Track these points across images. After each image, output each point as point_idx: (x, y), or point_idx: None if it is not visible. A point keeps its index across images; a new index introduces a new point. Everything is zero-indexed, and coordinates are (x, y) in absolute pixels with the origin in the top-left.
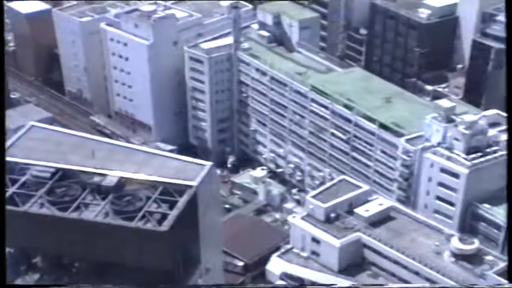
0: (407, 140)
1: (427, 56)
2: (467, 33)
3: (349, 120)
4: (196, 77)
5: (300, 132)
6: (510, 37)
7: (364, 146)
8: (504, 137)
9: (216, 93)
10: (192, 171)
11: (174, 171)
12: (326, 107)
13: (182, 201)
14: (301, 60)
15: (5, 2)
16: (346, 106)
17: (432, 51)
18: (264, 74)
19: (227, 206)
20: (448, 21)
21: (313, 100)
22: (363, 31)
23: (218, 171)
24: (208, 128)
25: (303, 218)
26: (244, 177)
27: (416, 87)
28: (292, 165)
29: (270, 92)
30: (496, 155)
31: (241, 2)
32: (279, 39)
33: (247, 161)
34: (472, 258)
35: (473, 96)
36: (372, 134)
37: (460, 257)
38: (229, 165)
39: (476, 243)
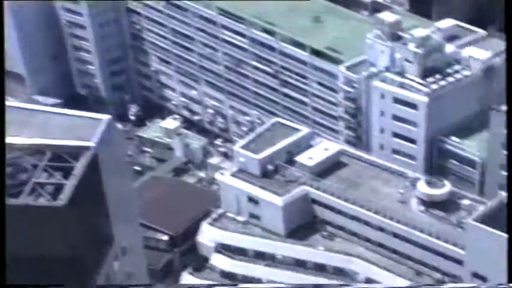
0: (348, 67)
1: None
2: None
3: (272, 49)
4: (71, 8)
5: (214, 69)
6: (510, 37)
7: (295, 79)
8: (467, 52)
9: (100, 26)
10: (87, 129)
11: (63, 130)
12: (242, 35)
13: (79, 167)
14: None
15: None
16: (266, 31)
17: None
18: None
19: (138, 168)
20: None
21: (224, 27)
22: None
23: (119, 126)
24: (98, 72)
25: (233, 175)
26: (154, 130)
27: (349, 0)
28: (210, 111)
29: (168, 20)
30: (459, 76)
31: None
32: None
33: (154, 109)
34: (445, 205)
35: (422, 5)
36: (303, 63)
37: (430, 204)
38: (132, 117)
39: (447, 186)
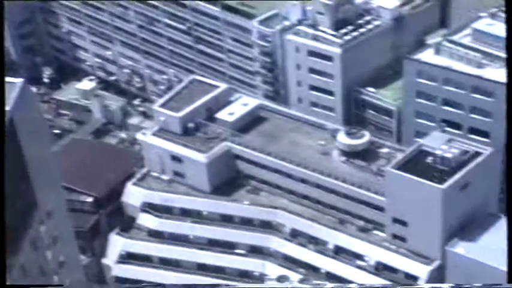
0: (261, 22)
1: None
2: None
3: (183, 5)
4: None
5: (127, 28)
6: (510, 37)
7: (210, 36)
8: (376, 2)
9: None
10: None
11: None
12: None
13: None
14: None
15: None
16: None
17: None
18: None
19: (57, 131)
20: None
21: None
22: None
23: (33, 89)
24: (6, 35)
25: (155, 134)
26: (70, 93)
27: None
28: (127, 71)
29: None
30: (370, 26)
31: None
32: None
33: (69, 71)
34: (365, 154)
35: None
36: (216, 18)
37: (350, 154)
38: (46, 80)
39: (366, 136)
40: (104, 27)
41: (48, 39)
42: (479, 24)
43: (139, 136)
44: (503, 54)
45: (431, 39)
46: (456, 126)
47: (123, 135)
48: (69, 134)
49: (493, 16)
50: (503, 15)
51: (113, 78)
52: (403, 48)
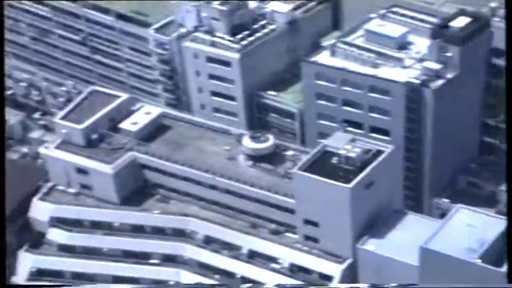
0: (157, 30)
1: None
2: None
3: (77, 16)
4: None
5: (19, 40)
6: (510, 37)
7: (106, 46)
8: (271, 6)
9: None
10: None
11: None
12: (43, 4)
13: None
14: None
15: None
16: None
17: None
18: None
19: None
20: None
21: None
22: None
23: None
24: None
25: (58, 147)
26: None
27: None
28: (23, 84)
29: None
30: (266, 30)
31: None
32: None
33: None
34: (271, 157)
35: None
36: (111, 28)
37: (257, 158)
38: None
39: (271, 139)
40: None
41: None
42: (371, 25)
43: (42, 150)
44: (395, 54)
45: (326, 42)
46: (357, 125)
47: (24, 149)
48: None
49: (383, 17)
50: (392, 16)
51: (9, 92)
52: (299, 51)
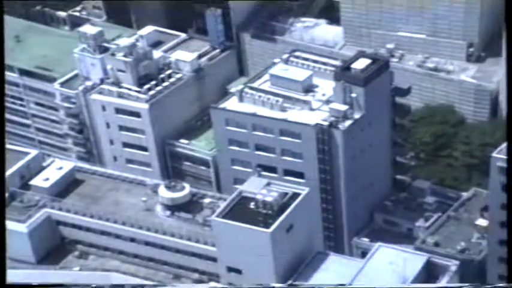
0: (62, 84)
1: None
2: None
3: None
4: None
5: None
6: (510, 37)
7: (12, 102)
8: (175, 55)
9: None
10: None
11: None
12: None
13: None
14: None
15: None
16: None
17: None
18: None
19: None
20: None
21: None
22: None
23: None
24: None
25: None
26: None
27: (47, 16)
28: None
29: None
30: (172, 79)
31: None
32: None
33: None
34: (189, 206)
35: (119, 15)
36: (16, 85)
37: (174, 208)
38: None
39: (187, 188)
40: None
41: None
42: (276, 70)
43: None
44: (302, 97)
45: (234, 88)
46: (271, 169)
47: None
48: None
49: (286, 61)
50: (295, 60)
51: None
52: (207, 98)
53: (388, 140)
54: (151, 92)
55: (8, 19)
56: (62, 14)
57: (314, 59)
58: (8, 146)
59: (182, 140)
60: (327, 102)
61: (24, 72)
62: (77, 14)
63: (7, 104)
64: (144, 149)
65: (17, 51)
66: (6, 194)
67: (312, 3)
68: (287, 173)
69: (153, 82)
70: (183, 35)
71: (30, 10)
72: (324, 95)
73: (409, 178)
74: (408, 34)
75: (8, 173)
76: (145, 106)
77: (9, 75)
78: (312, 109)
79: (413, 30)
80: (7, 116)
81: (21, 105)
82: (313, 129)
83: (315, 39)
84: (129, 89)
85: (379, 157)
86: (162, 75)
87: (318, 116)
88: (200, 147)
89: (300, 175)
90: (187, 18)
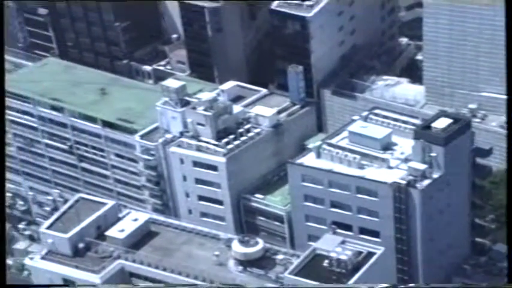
0: (143, 136)
1: (132, 30)
2: None
3: (63, 125)
4: None
5: (6, 151)
6: (510, 37)
7: (92, 153)
8: (254, 110)
9: None
10: None
11: None
12: (29, 113)
13: None
14: None
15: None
16: (53, 108)
17: (135, 23)
18: None
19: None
20: None
21: (8, 108)
22: (42, 11)
23: None
24: None
25: (44, 257)
26: None
27: (132, 70)
28: (9, 194)
29: None
30: (251, 134)
31: None
32: None
33: None
34: (262, 262)
35: (202, 69)
36: (97, 136)
37: (247, 263)
38: None
39: (260, 243)
40: None
41: None
42: (355, 127)
43: (27, 261)
44: (380, 155)
45: (311, 144)
46: (346, 227)
47: (9, 261)
48: None
49: (365, 119)
50: (375, 117)
51: None
52: (285, 153)
53: (467, 201)
54: (229, 146)
55: (94, 72)
56: (147, 67)
57: (394, 117)
58: (85, 196)
59: (257, 195)
60: (406, 160)
61: (106, 124)
62: (162, 68)
63: (89, 155)
64: (219, 202)
65: (101, 103)
66: (82, 244)
67: (394, 61)
68: (362, 231)
69: (232, 136)
70: (263, 90)
71: (116, 63)
72: (402, 153)
73: (489, 241)
74: (491, 94)
75: (85, 223)
76: (223, 160)
77: (92, 127)
78: (389, 167)
79: (496, 90)
80: (88, 166)
81: (102, 156)
82: (390, 187)
83: (396, 98)
84: (208, 143)
85: (457, 218)
86: (240, 130)
87: (396, 175)
88: (275, 202)
89: (375, 234)
90: (269, 74)
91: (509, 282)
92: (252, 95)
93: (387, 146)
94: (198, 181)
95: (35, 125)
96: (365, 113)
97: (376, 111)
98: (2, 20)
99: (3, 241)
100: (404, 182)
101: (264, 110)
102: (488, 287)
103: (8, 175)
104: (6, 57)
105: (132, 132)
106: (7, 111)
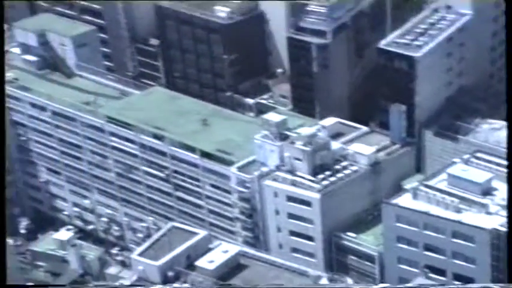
0: (240, 168)
1: (239, 63)
2: (279, 30)
3: (163, 153)
4: None
5: (105, 176)
6: (510, 37)
7: (188, 183)
8: (353, 148)
9: None
10: None
11: None
12: (131, 141)
13: None
14: (85, 86)
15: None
16: (155, 136)
17: (243, 56)
18: (42, 109)
19: (31, 284)
20: (252, 19)
21: (112, 134)
22: (154, 42)
23: (10, 241)
24: None
25: (133, 284)
26: (47, 243)
27: (235, 102)
28: (105, 219)
29: (55, 130)
30: (348, 171)
31: None
32: (51, 64)
33: (46, 221)
34: None
35: (304, 104)
36: (195, 166)
37: None
38: (22, 231)
39: (349, 282)
40: (82, 175)
41: (25, 190)
42: (454, 170)
43: None
44: (480, 199)
45: (409, 184)
46: (440, 272)
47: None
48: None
49: (467, 162)
50: (476, 161)
51: (90, 227)
52: (380, 192)
53: None
54: (325, 182)
55: (198, 103)
56: (250, 100)
57: (497, 161)
58: (178, 225)
59: (350, 233)
60: (506, 207)
61: (205, 155)
62: (264, 101)
63: (185, 184)
64: (311, 239)
65: (202, 133)
66: (172, 273)
67: (501, 105)
68: (456, 277)
69: (328, 172)
70: (364, 128)
71: (220, 95)
72: (503, 199)
73: None
74: None
75: (176, 252)
76: (317, 196)
77: (190, 156)
78: (489, 213)
79: None
80: (183, 195)
81: (198, 186)
82: (488, 233)
83: (500, 142)
84: (303, 178)
85: None
86: (337, 166)
87: (495, 221)
88: (367, 242)
89: (470, 280)
90: (371, 112)
91: (510, 282)
92: (352, 132)
93: (488, 191)
94: (291, 216)
95: (135, 152)
96: (467, 156)
97: (479, 154)
98: (1, 20)
99: (4, 241)
100: (504, 229)
101: (363, 148)
102: (488, 287)
103: (106, 200)
104: (115, 84)
105: (229, 163)
106: (113, 139)
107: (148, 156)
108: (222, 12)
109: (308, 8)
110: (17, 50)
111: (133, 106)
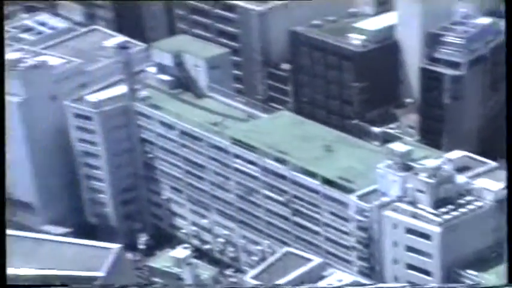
0: (360, 197)
1: (368, 91)
2: (412, 60)
3: (284, 177)
4: (86, 138)
5: (225, 197)
6: (510, 37)
7: (307, 208)
8: (479, 183)
9: (114, 156)
10: (96, 258)
11: (72, 260)
12: (254, 163)
13: None
14: (215, 107)
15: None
16: (278, 160)
17: (373, 85)
18: (171, 127)
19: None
20: (387, 48)
21: (236, 156)
22: (285, 66)
23: (129, 255)
24: (109, 201)
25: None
26: (163, 260)
27: (361, 130)
28: (221, 240)
29: (181, 149)
30: (471, 206)
31: (132, 40)
32: (184, 84)
33: (164, 238)
34: None
35: (431, 135)
36: (315, 192)
37: None
38: (141, 246)
39: None
40: (203, 195)
41: (147, 206)
42: None
43: None
44: None
45: None
46: None
47: None
48: None
49: None
50: None
51: (207, 246)
52: (504, 230)
53: None
54: (447, 216)
55: (323, 129)
56: (376, 129)
57: None
58: (293, 250)
59: (469, 271)
60: None
61: (326, 181)
62: (391, 131)
63: (303, 210)
64: (428, 273)
65: (324, 159)
66: None
67: None
68: None
69: (451, 206)
70: (493, 164)
71: (346, 122)
72: None
73: None
74: None
75: (289, 277)
76: (438, 229)
77: (311, 182)
78: None
79: None
80: (300, 220)
81: (316, 212)
82: None
83: None
84: (424, 210)
85: None
86: (461, 201)
87: None
88: (489, 281)
89: None
90: (501, 147)
91: (510, 282)
92: (479, 167)
93: None
94: (409, 249)
95: (257, 175)
96: None
97: None
98: (2, 20)
99: (4, 241)
100: None
101: (490, 183)
102: (488, 287)
103: (224, 221)
104: (244, 107)
105: (350, 191)
106: (237, 160)
107: (269, 180)
108: (356, 40)
109: (444, 39)
110: (153, 69)
111: (259, 129)
